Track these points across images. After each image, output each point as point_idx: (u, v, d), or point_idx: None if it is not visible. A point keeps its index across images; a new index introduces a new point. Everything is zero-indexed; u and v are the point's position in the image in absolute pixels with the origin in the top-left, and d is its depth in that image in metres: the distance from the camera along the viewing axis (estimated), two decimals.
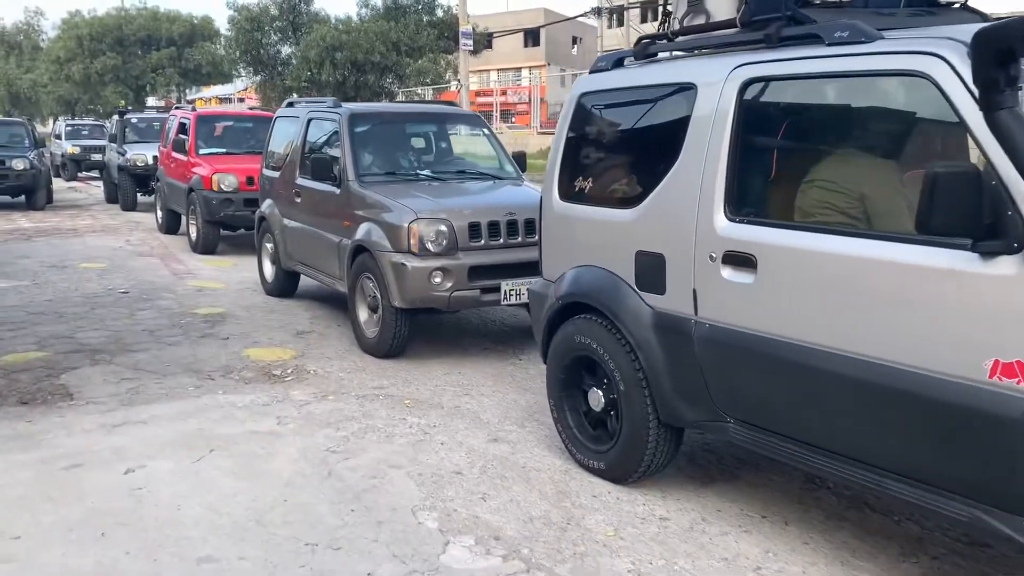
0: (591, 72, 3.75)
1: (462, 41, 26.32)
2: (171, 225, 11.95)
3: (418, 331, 5.84)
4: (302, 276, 7.28)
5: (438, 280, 5.33)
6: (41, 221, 13.46)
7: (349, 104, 6.83)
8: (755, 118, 2.98)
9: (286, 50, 32.53)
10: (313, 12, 32.21)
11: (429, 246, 5.38)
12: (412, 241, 5.37)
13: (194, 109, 11.86)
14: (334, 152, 6.40)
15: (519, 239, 5.62)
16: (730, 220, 2.94)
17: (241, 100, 46.52)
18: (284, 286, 7.50)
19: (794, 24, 2.84)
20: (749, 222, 2.89)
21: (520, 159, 6.95)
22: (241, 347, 5.72)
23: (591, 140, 3.76)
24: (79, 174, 23.42)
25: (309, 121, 6.99)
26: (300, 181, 6.87)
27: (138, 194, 15.21)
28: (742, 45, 3.07)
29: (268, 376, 5.13)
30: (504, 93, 35.99)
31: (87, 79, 38.23)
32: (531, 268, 5.76)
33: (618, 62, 3.64)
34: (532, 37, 55.23)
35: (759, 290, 2.83)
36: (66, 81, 39.25)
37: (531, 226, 5.67)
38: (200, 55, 39.19)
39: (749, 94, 2.95)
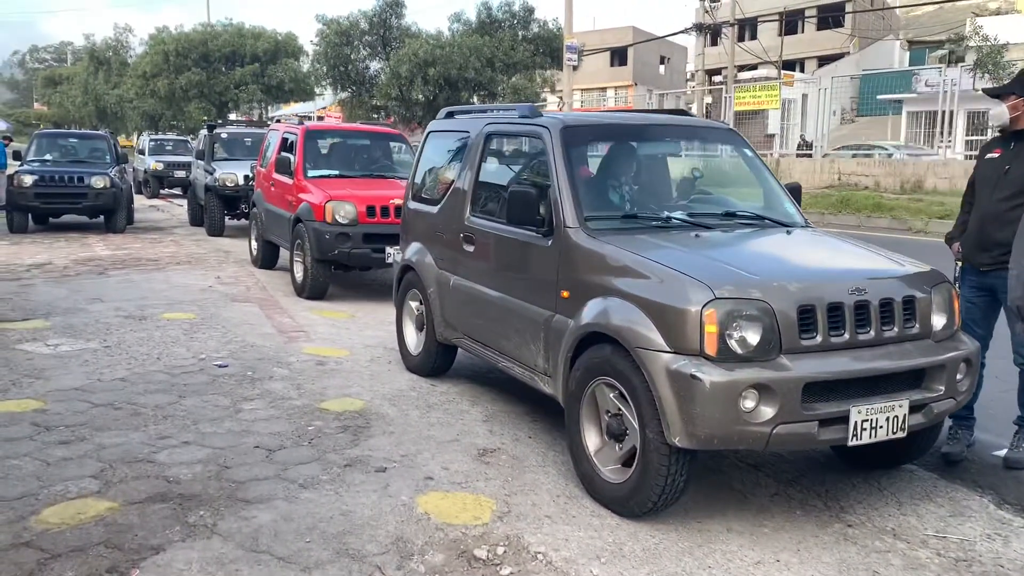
0: None
1: (566, 56, 24.35)
2: (268, 259, 10.06)
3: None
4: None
5: (751, 404, 3.13)
6: (119, 247, 11.81)
7: (555, 113, 4.72)
8: None
9: (375, 66, 31.13)
10: (404, 26, 30.76)
11: (734, 345, 3.19)
12: (708, 335, 3.18)
13: (301, 123, 9.95)
14: (537, 183, 4.29)
15: (870, 333, 3.38)
16: None
17: (321, 118, 45.58)
18: (437, 363, 5.38)
19: None
20: None
21: (796, 192, 4.71)
22: (411, 491, 3.59)
23: None
24: (161, 191, 22.34)
25: (488, 137, 4.89)
26: (474, 221, 4.78)
27: (226, 217, 13.52)
28: None
29: (469, 563, 3.01)
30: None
31: (171, 94, 37.76)
32: (895, 383, 3.50)
33: None
34: (619, 56, 53.09)
35: None
36: (151, 96, 38.88)
37: (888, 312, 3.44)
38: (283, 72, 38.35)
39: None
